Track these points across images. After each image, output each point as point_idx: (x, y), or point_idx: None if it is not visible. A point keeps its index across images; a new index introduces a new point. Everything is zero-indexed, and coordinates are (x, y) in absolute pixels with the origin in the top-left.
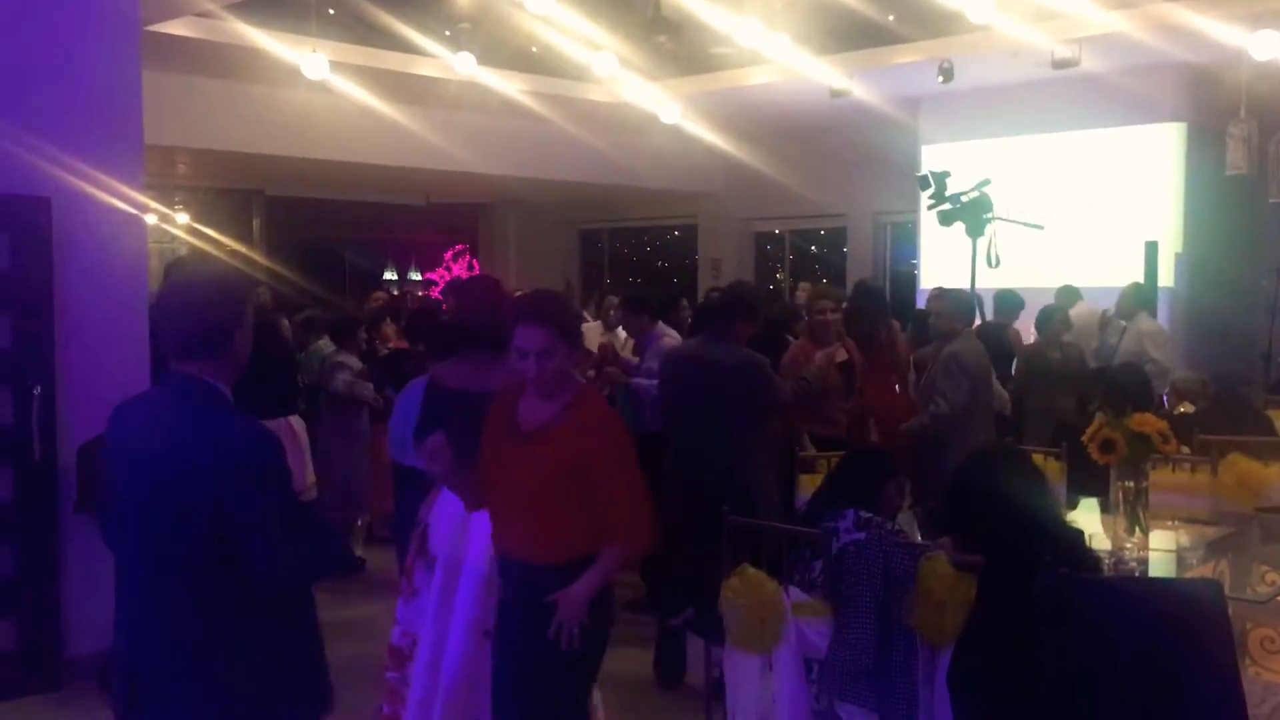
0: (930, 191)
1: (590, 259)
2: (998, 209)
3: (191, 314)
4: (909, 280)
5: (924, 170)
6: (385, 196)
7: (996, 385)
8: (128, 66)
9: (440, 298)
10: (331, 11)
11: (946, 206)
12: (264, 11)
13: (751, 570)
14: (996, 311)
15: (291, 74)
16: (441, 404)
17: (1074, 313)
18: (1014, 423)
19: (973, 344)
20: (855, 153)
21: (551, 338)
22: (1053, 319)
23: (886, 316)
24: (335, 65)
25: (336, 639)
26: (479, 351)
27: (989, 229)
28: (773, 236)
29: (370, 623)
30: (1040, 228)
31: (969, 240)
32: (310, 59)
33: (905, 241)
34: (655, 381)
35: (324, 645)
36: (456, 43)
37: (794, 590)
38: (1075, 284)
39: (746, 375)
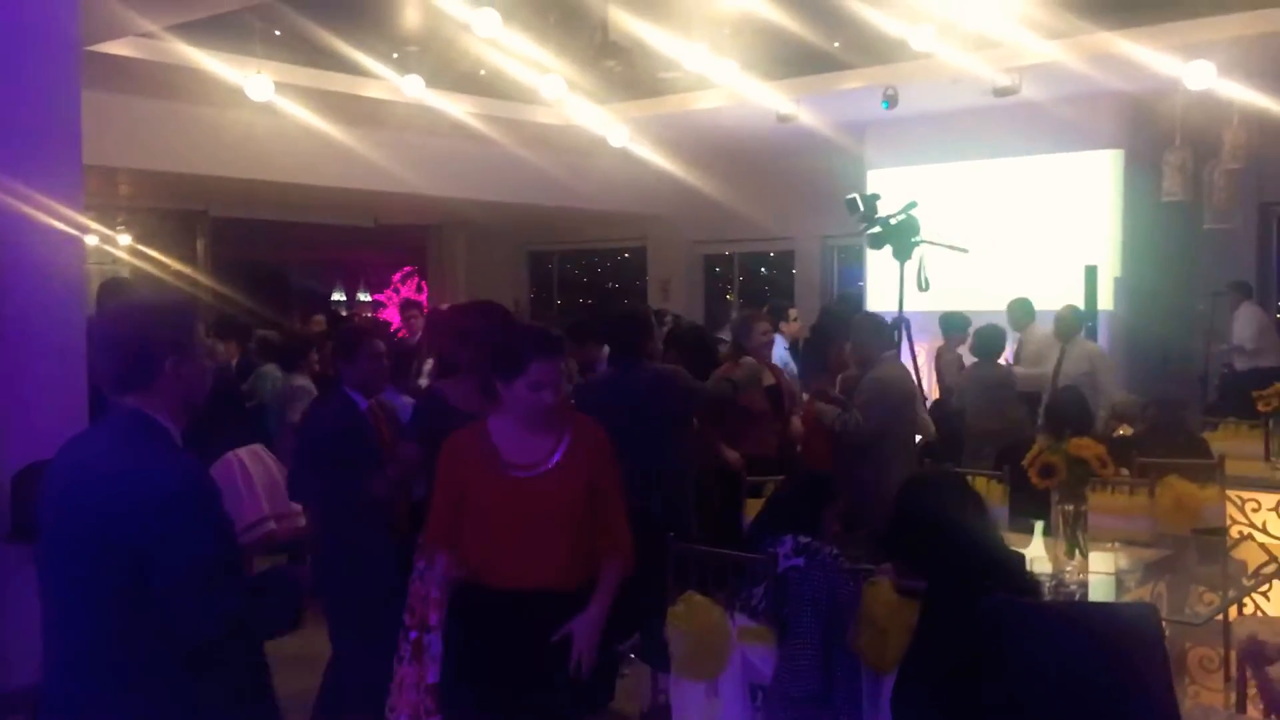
0: (858, 215)
1: (540, 280)
2: (934, 233)
3: (119, 343)
4: (857, 302)
5: (853, 194)
6: (332, 218)
7: (922, 413)
8: (67, 87)
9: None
10: (277, 33)
11: (877, 230)
12: (207, 33)
13: (697, 597)
14: (944, 333)
15: (236, 95)
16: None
17: (1027, 334)
18: (948, 446)
19: (895, 370)
20: (802, 177)
21: (562, 369)
22: (992, 338)
23: (843, 338)
24: (281, 87)
25: (293, 670)
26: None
27: (916, 252)
28: (722, 258)
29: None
30: (965, 251)
31: (899, 263)
32: (254, 80)
33: (852, 264)
34: None
35: (267, 691)
36: (404, 65)
37: (740, 616)
38: None
39: (666, 388)
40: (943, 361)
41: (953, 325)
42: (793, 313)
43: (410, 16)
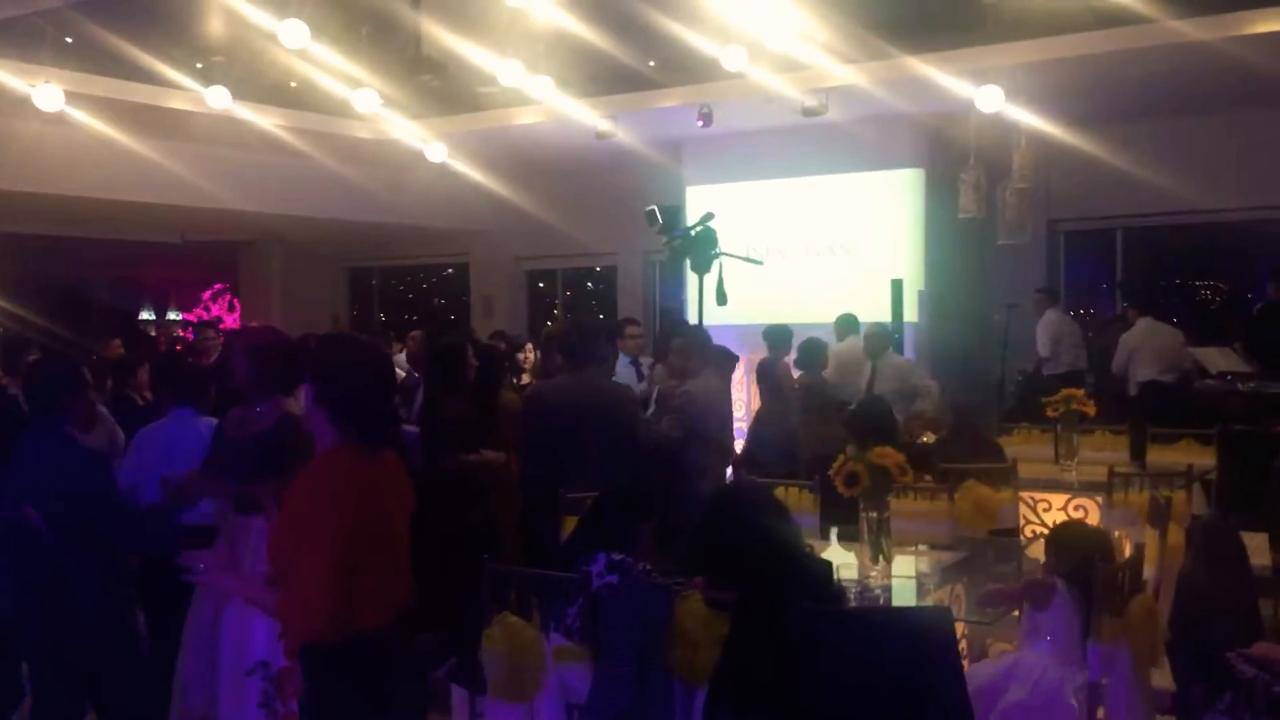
0: (658, 227)
1: (361, 297)
2: (732, 245)
3: None
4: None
5: (652, 206)
6: (135, 234)
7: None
8: None
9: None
10: (69, 40)
11: (677, 242)
12: None
13: (511, 617)
14: (769, 346)
15: (22, 105)
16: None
17: (843, 347)
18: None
19: (709, 384)
20: (623, 193)
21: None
22: (815, 350)
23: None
24: (73, 96)
25: None
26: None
27: (715, 265)
28: (547, 274)
29: None
30: (760, 263)
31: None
32: (43, 90)
33: (673, 280)
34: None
35: None
36: (209, 76)
37: (555, 636)
38: (831, 319)
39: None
40: (777, 372)
41: (778, 338)
42: (632, 329)
43: (214, 25)
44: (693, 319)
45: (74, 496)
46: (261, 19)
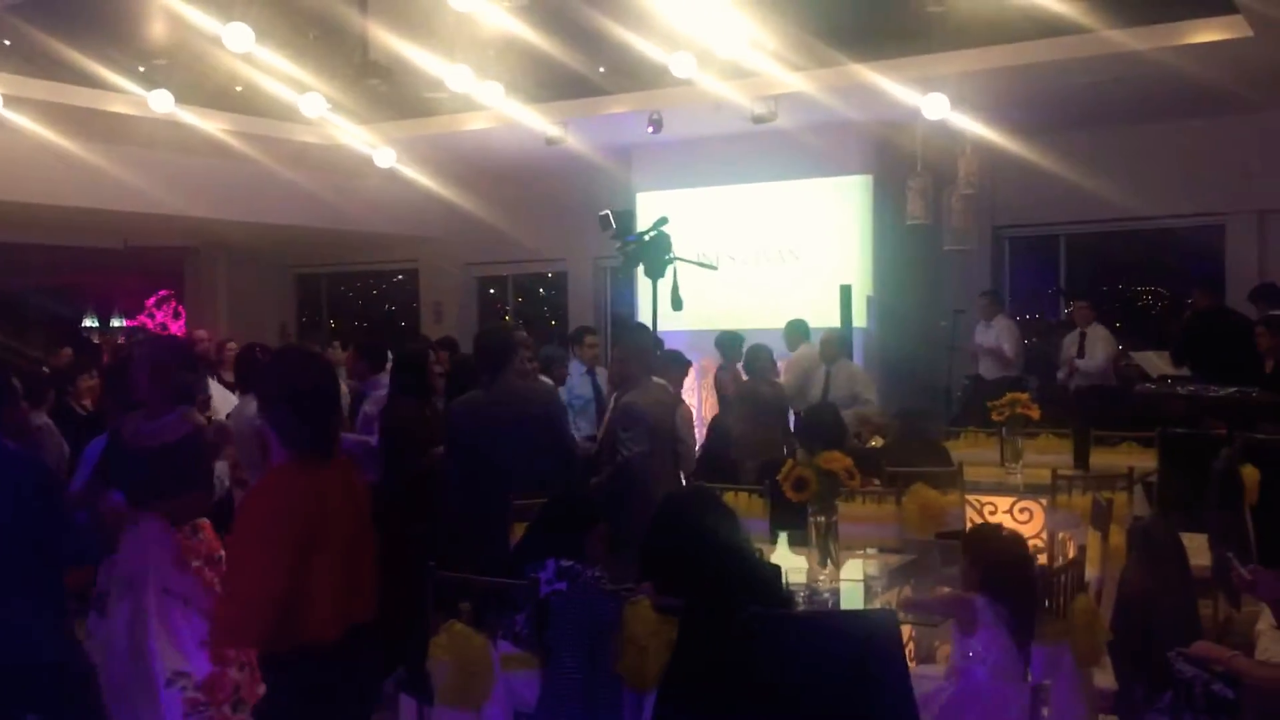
0: (611, 231)
1: (309, 304)
2: (686, 250)
3: None
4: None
5: (605, 211)
6: (76, 239)
7: (685, 443)
8: None
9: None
10: (7, 42)
11: (630, 247)
12: None
13: (459, 625)
14: (722, 353)
15: None
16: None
17: (798, 355)
18: (723, 463)
19: (653, 393)
20: (573, 199)
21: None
22: (760, 356)
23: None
24: (11, 99)
25: None
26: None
27: (669, 270)
28: (497, 280)
29: None
30: (714, 268)
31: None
32: None
33: (624, 286)
34: (370, 437)
35: None
36: (151, 79)
37: (503, 643)
38: (780, 324)
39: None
40: (721, 380)
41: (730, 345)
42: (589, 339)
43: (156, 28)
44: (646, 325)
45: (14, 508)
46: (205, 22)
